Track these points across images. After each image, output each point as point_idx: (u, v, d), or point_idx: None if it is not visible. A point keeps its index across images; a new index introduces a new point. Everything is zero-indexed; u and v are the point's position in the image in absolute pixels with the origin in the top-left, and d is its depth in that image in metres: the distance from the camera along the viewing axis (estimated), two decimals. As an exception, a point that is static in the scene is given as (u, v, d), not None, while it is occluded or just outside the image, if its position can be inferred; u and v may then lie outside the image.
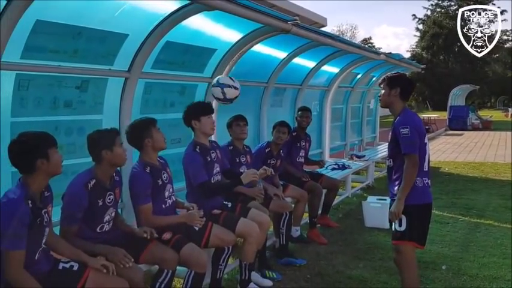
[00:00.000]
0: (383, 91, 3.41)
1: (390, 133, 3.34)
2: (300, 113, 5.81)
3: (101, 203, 2.90)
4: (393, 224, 3.28)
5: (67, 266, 2.60)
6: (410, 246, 3.27)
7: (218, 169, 3.93)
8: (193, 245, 3.20)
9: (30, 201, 2.34)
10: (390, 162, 3.37)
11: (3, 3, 2.60)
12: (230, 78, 4.04)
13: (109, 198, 2.96)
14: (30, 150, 2.38)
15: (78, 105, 3.55)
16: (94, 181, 2.88)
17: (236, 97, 3.99)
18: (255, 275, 3.99)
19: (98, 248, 2.84)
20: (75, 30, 3.21)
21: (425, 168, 3.28)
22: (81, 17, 3.18)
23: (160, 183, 3.31)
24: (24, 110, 3.17)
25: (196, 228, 3.33)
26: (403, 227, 3.22)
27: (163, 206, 3.35)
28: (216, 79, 3.97)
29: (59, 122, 3.44)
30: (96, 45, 3.44)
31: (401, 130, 3.17)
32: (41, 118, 3.29)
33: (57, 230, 2.93)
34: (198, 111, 3.80)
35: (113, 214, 3.05)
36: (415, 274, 3.34)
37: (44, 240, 2.49)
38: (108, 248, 2.85)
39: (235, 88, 3.95)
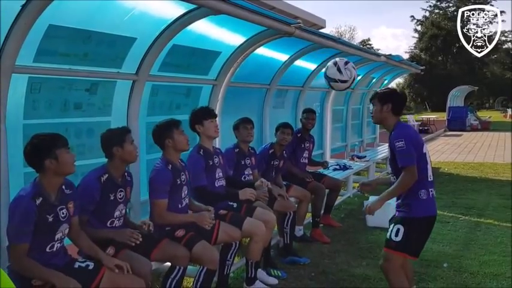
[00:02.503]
0: (374, 107, 3.36)
1: (388, 149, 3.32)
2: (305, 114, 5.90)
3: (112, 198, 3.02)
4: (389, 231, 3.22)
5: (83, 265, 2.70)
6: (401, 257, 3.21)
7: (221, 174, 4.01)
8: (205, 243, 3.29)
9: (41, 198, 2.47)
10: (394, 179, 3.29)
11: (18, 8, 2.69)
12: (338, 70, 4.14)
13: (120, 195, 3.08)
14: (39, 150, 2.52)
15: (87, 107, 3.63)
16: (107, 176, 3.02)
17: (346, 88, 4.24)
18: (261, 273, 4.06)
19: (105, 233, 2.97)
20: (86, 34, 3.29)
21: (430, 178, 3.22)
22: (91, 21, 3.26)
23: (179, 182, 3.42)
24: (36, 112, 3.25)
25: (208, 227, 3.41)
26: (399, 238, 3.14)
27: (179, 206, 3.46)
28: (324, 69, 4.21)
29: (69, 124, 3.51)
30: (106, 48, 3.52)
31: (396, 144, 3.11)
32: (51, 120, 3.38)
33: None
34: (200, 116, 3.92)
35: (123, 211, 3.15)
36: (403, 278, 3.25)
37: (58, 235, 2.60)
38: (115, 231, 3.00)
39: (343, 81, 4.11)
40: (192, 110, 4.00)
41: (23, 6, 2.70)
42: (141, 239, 2.93)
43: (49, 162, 2.51)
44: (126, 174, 3.21)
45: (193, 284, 3.34)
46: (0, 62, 2.80)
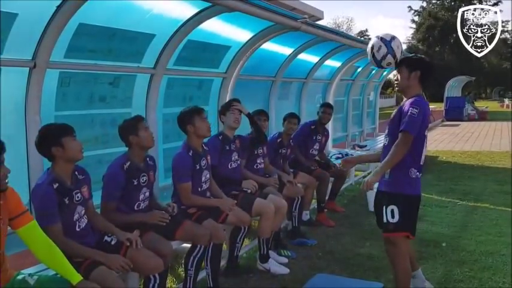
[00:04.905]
0: (399, 75, 3.25)
1: (395, 111, 3.25)
2: (322, 108, 6.02)
3: (135, 183, 3.24)
4: (384, 215, 3.22)
5: (109, 239, 2.96)
6: (404, 237, 3.22)
7: (237, 157, 4.33)
8: (212, 220, 3.59)
9: (57, 184, 2.67)
10: (387, 140, 3.29)
11: (54, 8, 2.95)
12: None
13: (143, 179, 3.30)
14: (46, 139, 2.69)
15: (110, 99, 3.90)
16: (129, 163, 3.23)
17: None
18: (272, 254, 4.35)
19: (137, 217, 3.21)
20: (111, 32, 3.55)
21: (422, 162, 3.21)
22: (116, 19, 3.52)
23: (198, 168, 3.69)
24: (65, 104, 3.52)
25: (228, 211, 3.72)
26: (396, 219, 3.16)
27: (199, 190, 3.73)
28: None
29: (95, 115, 3.79)
30: (128, 44, 3.78)
31: (411, 109, 3.04)
32: (79, 112, 3.65)
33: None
34: (225, 108, 4.32)
35: (147, 194, 3.36)
36: (408, 266, 3.31)
37: (76, 216, 2.77)
38: (144, 214, 3.26)
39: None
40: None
41: (58, 7, 2.97)
42: (169, 219, 3.20)
43: (56, 150, 2.67)
44: (148, 159, 3.42)
45: (205, 259, 3.62)
46: (37, 58, 3.08)
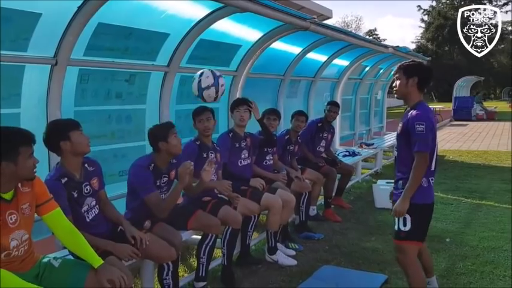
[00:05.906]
0: (398, 81, 3.20)
1: (401, 124, 3.20)
2: (328, 106, 6.15)
3: (157, 184, 3.36)
4: (396, 223, 3.18)
5: (123, 228, 3.05)
6: (414, 246, 3.18)
7: (247, 154, 4.47)
8: (228, 207, 3.77)
9: (66, 178, 2.74)
10: (396, 153, 3.30)
11: (75, 8, 3.12)
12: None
13: (163, 180, 3.40)
14: (54, 134, 2.76)
15: (126, 96, 4.07)
16: (153, 165, 3.31)
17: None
18: (280, 246, 4.50)
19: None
20: (128, 31, 3.71)
21: (432, 168, 3.17)
22: (133, 19, 3.68)
23: (205, 156, 3.84)
24: (84, 100, 3.69)
25: (227, 199, 3.90)
26: (408, 227, 3.11)
27: None
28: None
29: (111, 111, 3.96)
30: (143, 43, 3.95)
31: (417, 126, 3.01)
32: (97, 107, 3.82)
33: (115, 203, 3.32)
34: (233, 106, 4.46)
35: (165, 189, 3.44)
36: (420, 269, 3.28)
37: (85, 208, 2.85)
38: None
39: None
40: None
41: (79, 7, 3.13)
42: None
43: (64, 144, 2.71)
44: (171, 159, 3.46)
45: (221, 240, 3.78)
46: (58, 56, 3.24)
